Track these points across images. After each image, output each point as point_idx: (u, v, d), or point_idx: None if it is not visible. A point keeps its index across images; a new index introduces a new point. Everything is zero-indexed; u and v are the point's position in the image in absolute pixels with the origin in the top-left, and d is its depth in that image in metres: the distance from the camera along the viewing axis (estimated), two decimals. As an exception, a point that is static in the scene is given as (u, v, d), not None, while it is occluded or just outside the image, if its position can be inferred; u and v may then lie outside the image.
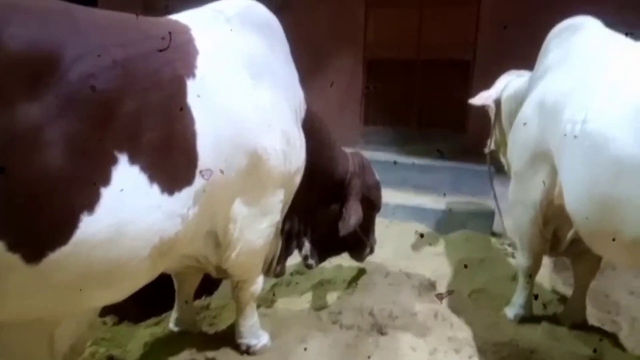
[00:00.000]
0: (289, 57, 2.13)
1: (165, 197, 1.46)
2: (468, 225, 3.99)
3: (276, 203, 2.02)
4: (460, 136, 5.52)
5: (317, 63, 5.65)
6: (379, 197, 2.84)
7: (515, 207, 2.43)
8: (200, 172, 1.21)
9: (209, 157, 1.58)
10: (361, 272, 3.12)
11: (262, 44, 1.92)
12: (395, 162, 4.70)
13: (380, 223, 3.89)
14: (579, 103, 1.78)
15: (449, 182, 4.67)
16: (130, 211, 1.36)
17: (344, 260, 3.14)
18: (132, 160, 1.36)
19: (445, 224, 4.08)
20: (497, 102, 3.00)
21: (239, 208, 1.85)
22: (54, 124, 1.18)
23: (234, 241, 1.89)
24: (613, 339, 2.44)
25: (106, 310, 2.36)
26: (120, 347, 2.18)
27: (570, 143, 1.74)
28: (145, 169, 1.39)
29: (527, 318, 2.55)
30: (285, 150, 1.94)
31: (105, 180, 1.30)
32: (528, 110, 2.26)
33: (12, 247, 1.15)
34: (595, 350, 2.27)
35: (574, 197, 1.76)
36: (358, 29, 5.95)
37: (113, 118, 1.32)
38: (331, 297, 2.82)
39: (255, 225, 1.95)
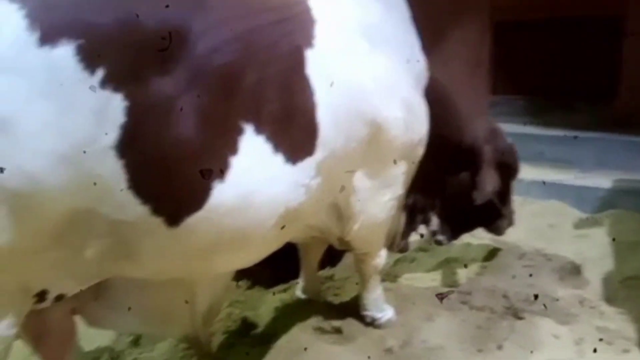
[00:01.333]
0: (409, 24, 2.01)
1: (289, 167, 1.47)
2: (618, 204, 3.50)
3: (398, 175, 1.95)
4: (608, 104, 4.84)
5: (440, 29, 5.35)
6: (514, 160, 2.60)
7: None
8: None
9: (328, 128, 1.55)
10: (493, 251, 2.91)
11: (380, 11, 1.83)
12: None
13: (514, 201, 3.60)
14: None
15: (594, 156, 4.13)
16: (256, 180, 1.39)
17: (473, 238, 2.95)
18: (257, 130, 1.38)
19: (590, 202, 3.62)
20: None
21: (360, 180, 1.81)
22: (184, 96, 1.23)
23: (356, 214, 1.87)
24: None
25: (240, 275, 2.50)
26: (253, 310, 2.31)
27: None
28: (269, 139, 1.41)
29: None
30: (407, 119, 1.84)
31: (234, 149, 1.34)
32: None
33: (155, 212, 1.23)
34: None
35: None
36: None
37: (237, 90, 1.35)
38: (459, 276, 2.68)
39: (377, 198, 1.90)
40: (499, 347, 1.95)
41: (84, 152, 1.09)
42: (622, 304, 2.29)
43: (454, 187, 2.44)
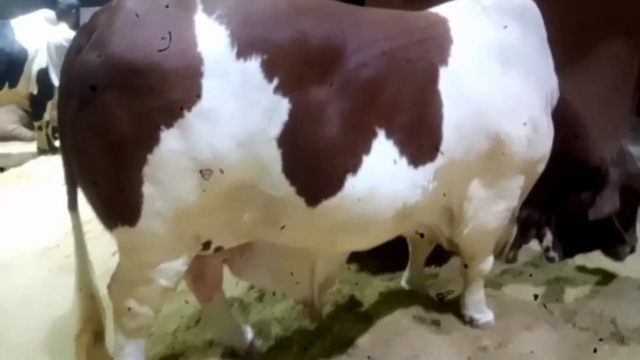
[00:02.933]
0: (544, 44, 2.10)
1: (411, 169, 1.70)
2: None
3: (514, 188, 2.05)
4: None
5: (579, 48, 5.08)
6: None
7: None
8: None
9: (451, 139, 1.75)
10: (608, 277, 2.82)
11: (515, 33, 1.95)
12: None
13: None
14: None
15: None
16: (382, 177, 1.65)
17: (589, 261, 2.90)
18: (388, 135, 1.64)
19: None
20: None
21: (475, 188, 1.96)
22: (334, 102, 1.53)
23: (467, 219, 2.02)
24: None
25: (352, 258, 2.78)
26: (360, 291, 2.58)
27: None
28: (397, 143, 1.66)
29: None
30: (531, 137, 1.95)
31: (367, 149, 1.61)
32: None
33: (299, 193, 1.55)
34: None
35: None
36: (635, 12, 5.07)
37: (377, 99, 1.61)
38: (567, 295, 2.66)
39: (490, 207, 2.03)
40: (596, 367, 1.98)
41: (256, 140, 1.44)
42: None
43: (573, 206, 2.45)
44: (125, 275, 1.63)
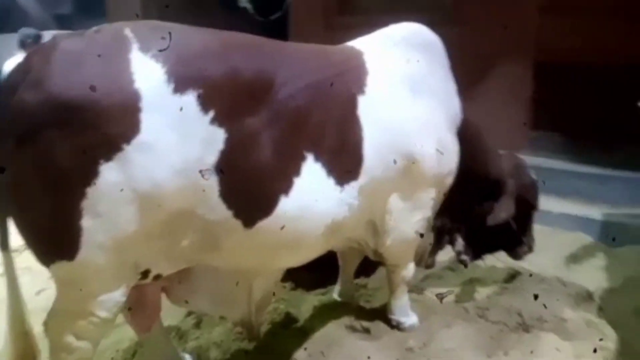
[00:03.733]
0: (448, 73, 2.39)
1: (338, 188, 1.88)
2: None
3: (428, 200, 2.30)
4: (637, 145, 4.99)
5: (484, 72, 5.70)
6: (534, 196, 2.89)
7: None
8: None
9: (371, 159, 1.96)
10: (513, 275, 3.18)
11: (422, 64, 2.22)
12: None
13: (542, 231, 3.82)
14: None
15: (627, 194, 4.31)
16: (312, 197, 1.81)
17: (498, 262, 3.24)
18: (316, 158, 1.81)
19: (616, 237, 3.81)
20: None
21: (395, 202, 2.17)
22: (266, 130, 1.67)
23: (389, 230, 2.22)
24: None
25: (286, 277, 2.90)
26: (295, 307, 2.70)
27: None
28: (324, 165, 1.83)
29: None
30: (439, 155, 2.21)
31: (297, 172, 1.76)
32: None
33: (237, 215, 1.65)
34: None
35: None
36: (529, 34, 5.79)
37: (304, 127, 1.78)
38: (480, 294, 2.96)
39: (408, 218, 2.25)
40: (505, 354, 2.25)
41: (194, 168, 1.53)
42: (629, 331, 2.52)
43: (478, 214, 2.76)
44: (63, 309, 1.63)
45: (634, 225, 3.86)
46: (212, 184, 1.58)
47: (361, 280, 3.06)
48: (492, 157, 2.72)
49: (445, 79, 2.38)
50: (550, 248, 3.64)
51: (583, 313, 2.63)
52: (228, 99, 1.58)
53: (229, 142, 1.57)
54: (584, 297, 2.83)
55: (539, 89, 5.81)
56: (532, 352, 2.25)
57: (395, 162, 2.04)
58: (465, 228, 2.81)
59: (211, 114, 1.54)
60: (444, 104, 2.31)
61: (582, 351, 2.29)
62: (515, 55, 5.82)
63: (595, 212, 4.14)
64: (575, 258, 3.56)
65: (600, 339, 2.36)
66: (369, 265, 2.93)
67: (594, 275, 3.24)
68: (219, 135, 1.56)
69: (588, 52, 5.44)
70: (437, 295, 2.65)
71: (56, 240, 1.48)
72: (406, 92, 2.13)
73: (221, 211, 1.62)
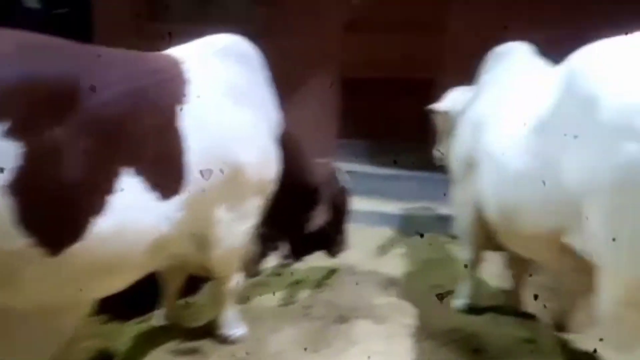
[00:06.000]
0: (267, 83, 2.47)
1: (160, 202, 1.78)
2: (430, 229, 4.34)
3: (254, 208, 2.34)
4: (426, 148, 5.90)
5: (299, 86, 6.06)
6: (345, 201, 3.19)
7: (457, 207, 2.80)
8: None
9: (195, 169, 1.90)
10: (332, 272, 3.44)
11: (243, 73, 2.26)
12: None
13: (353, 228, 4.23)
14: (491, 126, 2.14)
15: (416, 190, 5.03)
16: (132, 214, 1.67)
17: (317, 262, 3.46)
18: (135, 172, 1.68)
19: (410, 228, 4.43)
20: (447, 115, 3.40)
21: (221, 212, 2.15)
22: (74, 143, 1.48)
23: (217, 241, 2.19)
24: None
25: (98, 310, 2.62)
26: (111, 341, 2.45)
27: (484, 159, 2.10)
28: (145, 179, 1.71)
29: (474, 307, 2.89)
30: (262, 162, 2.27)
31: (113, 188, 1.61)
32: (464, 124, 2.63)
33: (39, 243, 1.43)
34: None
35: (487, 203, 2.11)
36: (334, 51, 6.37)
37: (121, 139, 1.64)
38: (303, 294, 3.13)
39: (235, 227, 2.25)
40: (328, 346, 2.42)
41: None
42: (426, 307, 2.93)
43: (297, 220, 2.92)
44: None
45: (424, 216, 4.53)
46: (7, 207, 1.35)
47: (187, 300, 2.96)
48: (309, 166, 2.92)
49: (265, 89, 2.46)
50: (360, 243, 4.05)
51: (389, 298, 2.99)
52: (24, 108, 1.38)
53: (27, 158, 1.37)
54: (391, 283, 3.22)
55: (344, 100, 6.44)
56: (350, 340, 2.46)
57: (222, 171, 2.02)
58: (287, 233, 2.95)
59: (4, 126, 1.32)
60: (265, 113, 2.39)
61: (392, 331, 2.59)
62: (324, 69, 6.34)
63: (393, 208, 4.75)
64: (381, 250, 4.02)
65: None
66: (193, 283, 2.85)
67: (396, 263, 3.70)
68: (15, 150, 1.35)
69: (382, 67, 6.25)
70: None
71: None
72: (227, 101, 2.14)
73: (19, 239, 1.40)
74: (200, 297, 3.02)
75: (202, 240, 2.17)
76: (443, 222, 4.36)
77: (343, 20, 6.30)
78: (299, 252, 3.05)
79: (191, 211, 1.93)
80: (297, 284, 3.29)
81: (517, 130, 1.82)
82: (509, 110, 2.01)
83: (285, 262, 2.99)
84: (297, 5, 6.30)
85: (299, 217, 2.93)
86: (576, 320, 2.62)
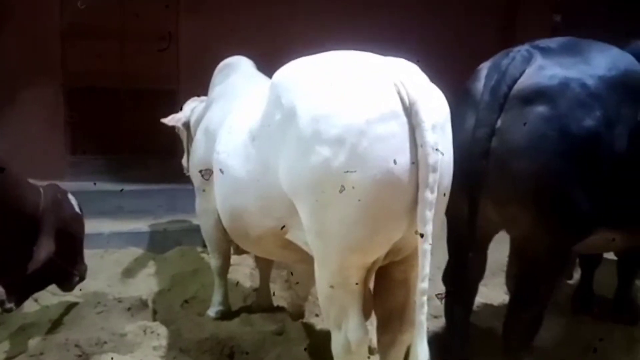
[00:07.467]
0: None
1: None
2: (183, 241, 4.28)
3: None
4: (172, 160, 5.80)
5: (12, 96, 5.21)
6: (78, 228, 2.82)
7: (201, 216, 2.82)
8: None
9: None
10: (70, 307, 3.04)
11: None
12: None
13: (95, 254, 3.84)
14: (219, 135, 2.24)
15: (165, 204, 4.90)
16: None
17: (53, 299, 3.02)
18: None
19: (162, 244, 4.28)
20: (187, 125, 3.41)
21: None
22: None
23: None
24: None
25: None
26: None
27: (215, 167, 2.18)
28: None
29: (227, 313, 2.96)
30: None
31: None
32: (199, 134, 2.68)
33: None
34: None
35: (220, 209, 2.20)
36: (54, 59, 5.69)
37: None
38: (33, 340, 2.68)
39: None
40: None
41: None
42: (178, 322, 2.85)
43: (17, 255, 2.46)
44: None
45: (173, 230, 4.43)
46: None
47: None
48: (24, 192, 2.48)
49: None
50: (105, 269, 3.72)
51: (139, 322, 2.81)
52: None
53: None
54: (140, 307, 3.03)
55: (73, 114, 5.79)
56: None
57: None
58: (4, 273, 2.46)
59: None
60: None
61: (142, 357, 2.44)
62: (45, 80, 5.58)
63: (142, 225, 4.50)
64: (129, 272, 3.76)
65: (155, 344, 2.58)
66: None
67: (147, 283, 3.52)
68: None
69: (114, 77, 5.86)
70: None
71: None
72: None
73: None
74: None
75: None
76: (197, 234, 4.34)
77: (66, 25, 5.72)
78: (25, 291, 2.57)
79: None
80: (26, 329, 2.80)
81: (240, 139, 1.94)
82: (234, 120, 2.13)
83: (7, 307, 2.48)
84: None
85: (13, 253, 2.47)
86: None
